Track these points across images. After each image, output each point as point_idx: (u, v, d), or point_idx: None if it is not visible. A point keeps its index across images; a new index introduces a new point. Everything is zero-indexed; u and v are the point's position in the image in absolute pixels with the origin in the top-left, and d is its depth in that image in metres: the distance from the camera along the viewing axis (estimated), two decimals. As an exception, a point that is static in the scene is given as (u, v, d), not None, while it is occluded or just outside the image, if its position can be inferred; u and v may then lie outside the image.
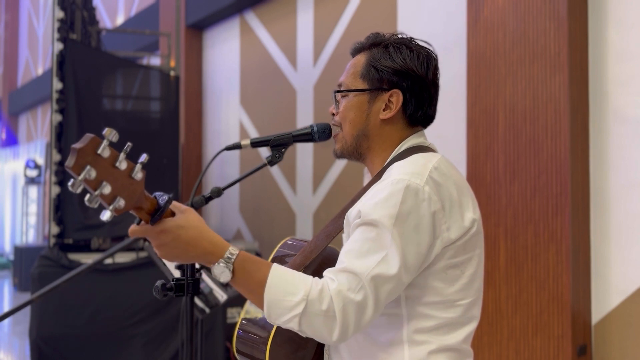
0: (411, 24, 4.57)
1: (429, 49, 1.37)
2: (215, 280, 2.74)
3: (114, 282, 4.34)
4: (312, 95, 5.63)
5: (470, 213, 1.27)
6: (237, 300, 4.72)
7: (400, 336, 1.24)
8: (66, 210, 4.57)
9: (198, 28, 7.40)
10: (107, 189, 0.96)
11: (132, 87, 5.80)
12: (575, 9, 3.27)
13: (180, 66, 6.97)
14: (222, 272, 1.13)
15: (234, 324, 4.75)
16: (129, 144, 1.01)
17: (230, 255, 1.14)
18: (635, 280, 3.15)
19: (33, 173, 11.50)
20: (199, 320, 2.55)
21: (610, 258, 3.26)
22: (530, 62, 3.37)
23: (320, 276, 1.22)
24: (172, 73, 6.14)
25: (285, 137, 1.48)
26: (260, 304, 1.15)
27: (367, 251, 1.16)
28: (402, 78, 1.32)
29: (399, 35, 1.37)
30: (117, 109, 5.73)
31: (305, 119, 5.71)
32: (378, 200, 1.20)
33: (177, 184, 5.98)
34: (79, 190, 0.95)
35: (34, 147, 12.35)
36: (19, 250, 9.09)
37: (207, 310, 2.57)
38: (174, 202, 1.15)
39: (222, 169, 7.05)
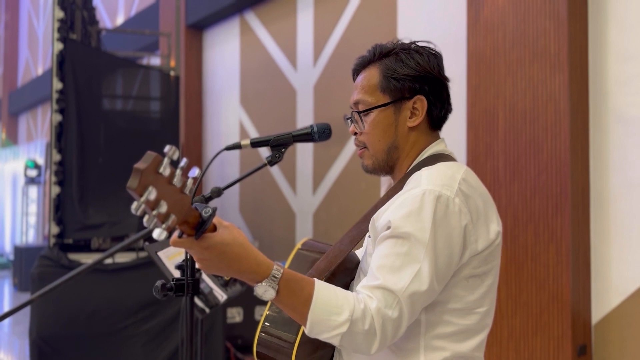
0: (411, 24, 4.57)
1: (431, 48, 1.36)
2: (215, 280, 2.74)
3: (114, 282, 4.33)
4: (312, 95, 5.62)
5: (495, 225, 1.29)
6: (237, 300, 4.71)
7: (417, 342, 1.26)
8: (66, 210, 4.57)
9: (198, 28, 7.40)
10: (163, 208, 0.94)
11: (132, 87, 5.79)
12: (575, 9, 3.27)
13: (180, 66, 6.96)
14: (265, 291, 1.13)
15: (234, 324, 4.74)
16: (185, 159, 1.00)
17: (275, 275, 1.14)
18: (635, 280, 3.15)
19: (33, 173, 11.49)
20: (199, 320, 2.55)
21: (610, 258, 3.26)
22: (530, 62, 3.37)
23: (341, 279, 1.30)
24: (172, 73, 6.13)
25: (285, 137, 1.48)
26: (302, 321, 1.17)
27: (401, 266, 1.18)
28: (421, 83, 1.32)
29: (400, 41, 1.37)
30: (117, 109, 5.72)
31: (305, 119, 5.71)
32: (408, 212, 1.20)
33: (177, 184, 5.97)
34: (139, 213, 0.92)
35: (34, 147, 12.35)
36: (19, 250, 9.09)
37: (207, 310, 2.57)
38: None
39: (222, 169, 7.05)
